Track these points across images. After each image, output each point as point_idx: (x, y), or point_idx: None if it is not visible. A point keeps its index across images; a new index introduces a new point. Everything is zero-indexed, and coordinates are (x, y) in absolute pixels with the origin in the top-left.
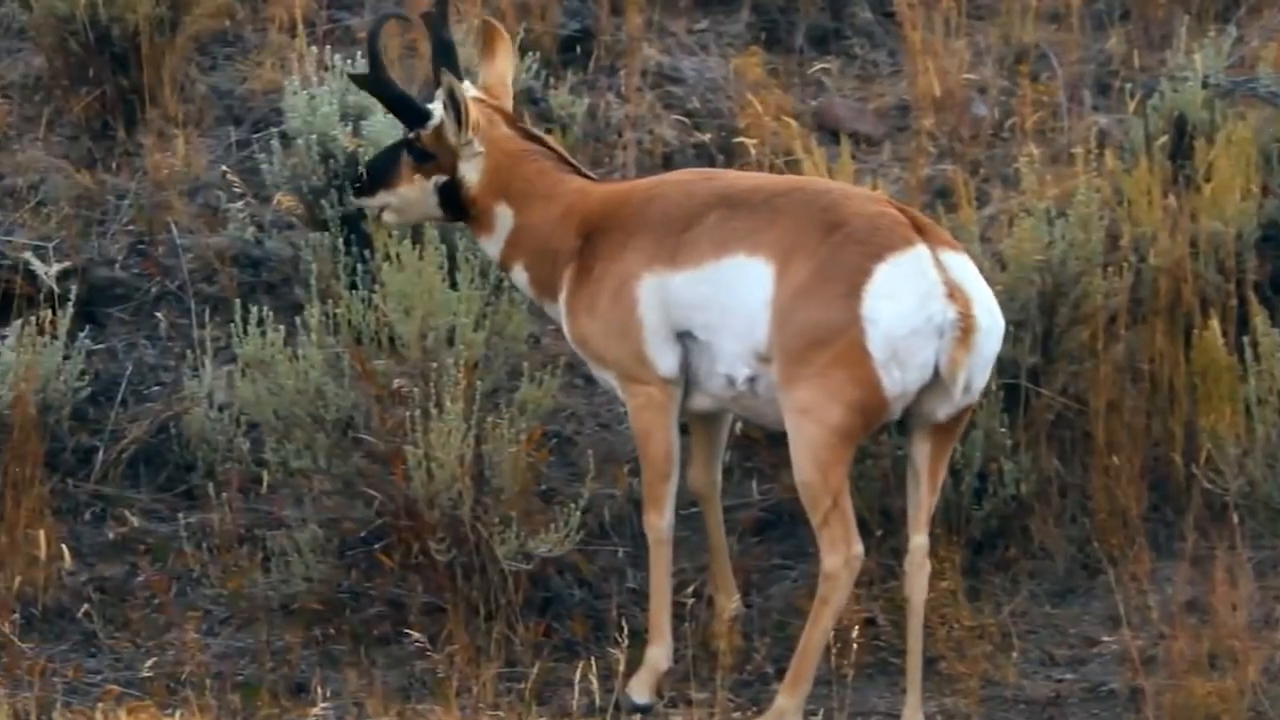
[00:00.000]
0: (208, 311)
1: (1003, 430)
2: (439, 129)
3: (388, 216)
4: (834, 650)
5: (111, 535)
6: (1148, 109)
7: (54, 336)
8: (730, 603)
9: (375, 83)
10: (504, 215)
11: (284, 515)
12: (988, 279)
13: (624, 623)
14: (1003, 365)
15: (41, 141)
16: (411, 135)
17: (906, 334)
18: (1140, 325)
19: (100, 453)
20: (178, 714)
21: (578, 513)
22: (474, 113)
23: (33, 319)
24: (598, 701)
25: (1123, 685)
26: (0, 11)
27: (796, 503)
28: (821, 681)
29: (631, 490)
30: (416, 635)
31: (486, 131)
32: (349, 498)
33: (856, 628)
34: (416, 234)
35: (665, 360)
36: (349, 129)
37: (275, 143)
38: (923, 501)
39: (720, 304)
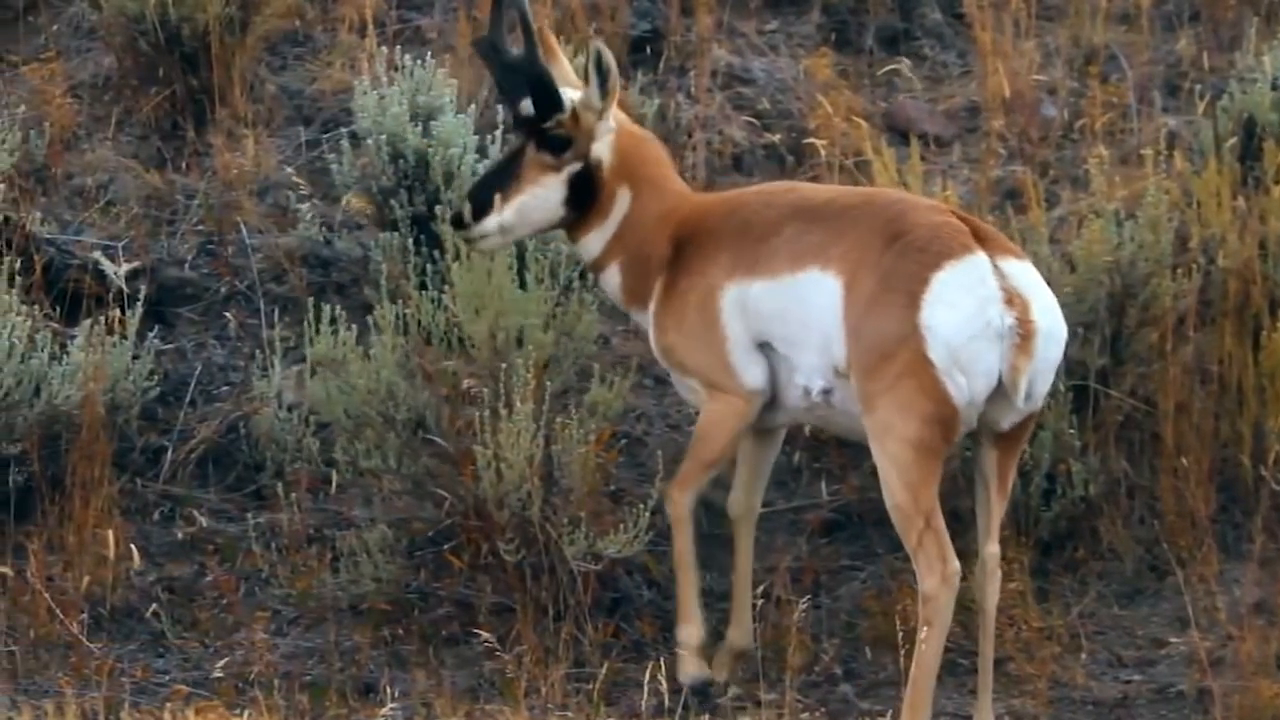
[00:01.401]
0: (277, 311)
1: (1071, 431)
2: (575, 111)
3: (494, 239)
4: (902, 651)
5: (180, 535)
6: (1217, 110)
7: (123, 336)
8: (740, 640)
9: (531, 64)
10: (623, 198)
11: (353, 515)
12: (1056, 281)
13: None
14: (1071, 367)
15: (111, 141)
16: (547, 124)
17: (965, 340)
18: (1209, 327)
19: (169, 453)
20: (246, 714)
21: (646, 513)
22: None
23: (102, 319)
24: (666, 702)
25: (1190, 687)
26: (70, 11)
27: (864, 504)
28: (888, 683)
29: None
30: (485, 636)
31: (617, 111)
32: (418, 498)
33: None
34: None
35: (751, 371)
36: (419, 129)
37: (345, 143)
38: (993, 510)
39: (797, 317)
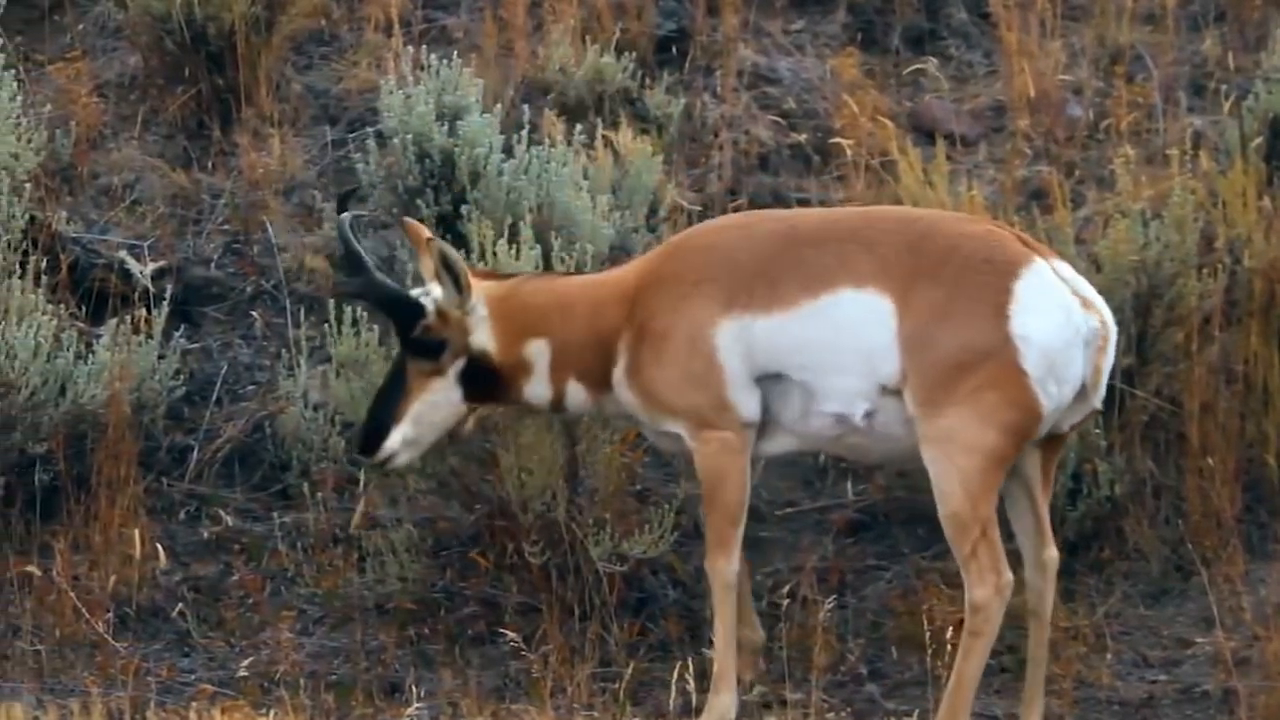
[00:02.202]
0: (302, 311)
1: (1097, 431)
2: (441, 311)
3: (403, 457)
4: (928, 651)
5: (206, 535)
6: (1243, 110)
7: (149, 336)
8: (753, 636)
9: (367, 286)
10: (538, 348)
11: (379, 515)
12: None
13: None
14: None
15: (137, 141)
16: (415, 335)
17: (1061, 347)
18: (1235, 327)
19: (195, 452)
20: (272, 714)
21: (672, 513)
22: (467, 268)
23: (128, 318)
24: (693, 702)
25: (1216, 687)
26: (96, 11)
27: (890, 504)
28: (913, 683)
29: None
30: (511, 635)
31: (477, 291)
32: (444, 498)
33: (950, 629)
34: (513, 232)
35: (748, 405)
36: (445, 129)
37: (370, 142)
38: (1041, 512)
39: (826, 342)
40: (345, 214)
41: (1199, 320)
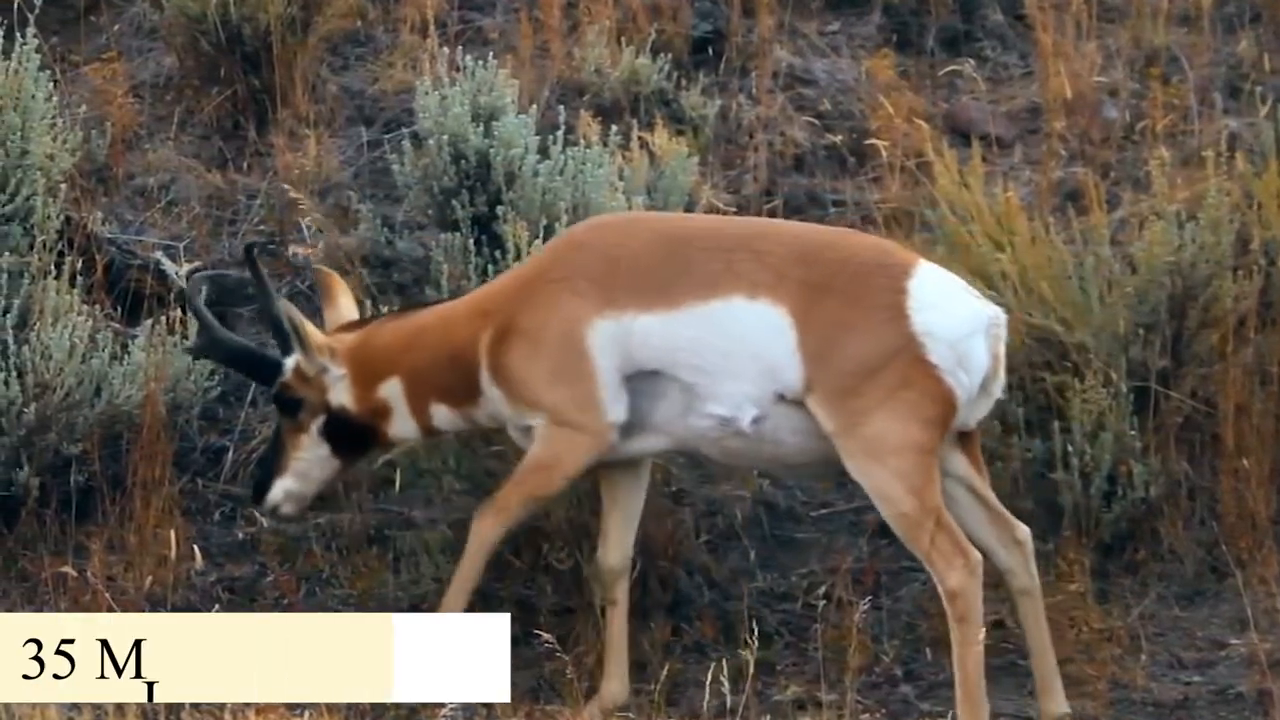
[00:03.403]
0: None
1: (1132, 433)
2: (299, 370)
3: (289, 506)
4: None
5: (241, 535)
6: (1278, 112)
7: (184, 336)
8: (618, 694)
9: (213, 346)
10: (391, 389)
11: (413, 516)
12: (1118, 282)
13: (754, 624)
14: (1133, 368)
15: (173, 141)
16: (276, 394)
17: (963, 337)
18: (1270, 328)
19: (230, 453)
20: (306, 714)
21: (707, 515)
22: (313, 331)
23: (163, 319)
24: (728, 703)
25: (1250, 688)
26: (132, 11)
27: None
28: (948, 684)
29: (760, 491)
30: (545, 636)
31: (336, 349)
32: (478, 498)
33: (985, 630)
34: (549, 233)
35: (617, 405)
36: (480, 130)
37: (406, 143)
38: (992, 501)
39: (716, 346)
40: (196, 275)
41: (1234, 322)
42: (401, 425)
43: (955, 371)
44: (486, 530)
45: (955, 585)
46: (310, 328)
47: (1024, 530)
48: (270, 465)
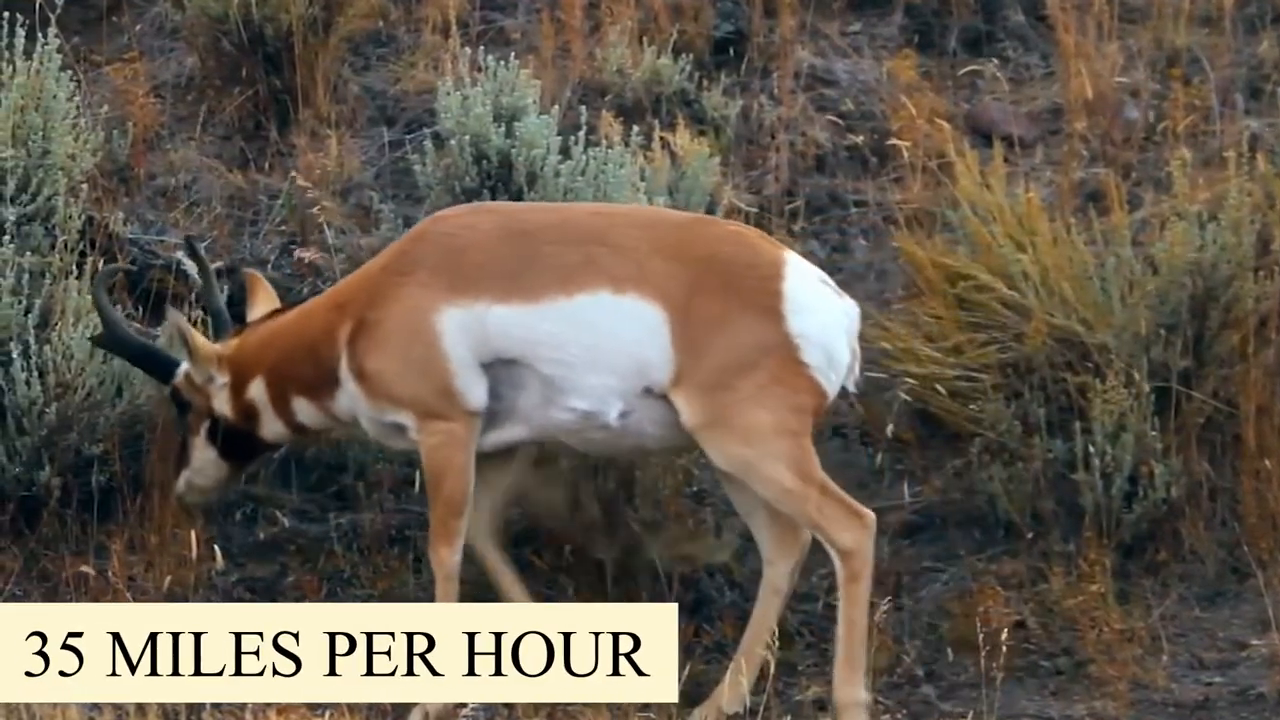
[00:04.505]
0: None
1: (1154, 434)
2: (188, 374)
3: (195, 496)
4: (983, 652)
5: (262, 536)
6: None
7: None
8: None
9: (113, 341)
10: (256, 388)
11: None
12: (1139, 282)
13: (775, 624)
14: (1154, 369)
15: (194, 141)
16: (170, 393)
17: (834, 337)
18: None
19: None
20: (328, 714)
21: (729, 515)
22: (202, 343)
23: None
24: (748, 703)
25: (1271, 689)
26: (153, 11)
27: (947, 505)
28: (969, 684)
29: None
30: None
31: (223, 356)
32: None
33: (1006, 630)
34: None
35: (475, 392)
36: (502, 130)
37: (428, 144)
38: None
39: (580, 341)
40: (106, 268)
41: (1255, 322)
42: (270, 425)
43: (825, 371)
44: (443, 558)
45: (849, 544)
46: (199, 339)
47: (806, 535)
48: (179, 456)
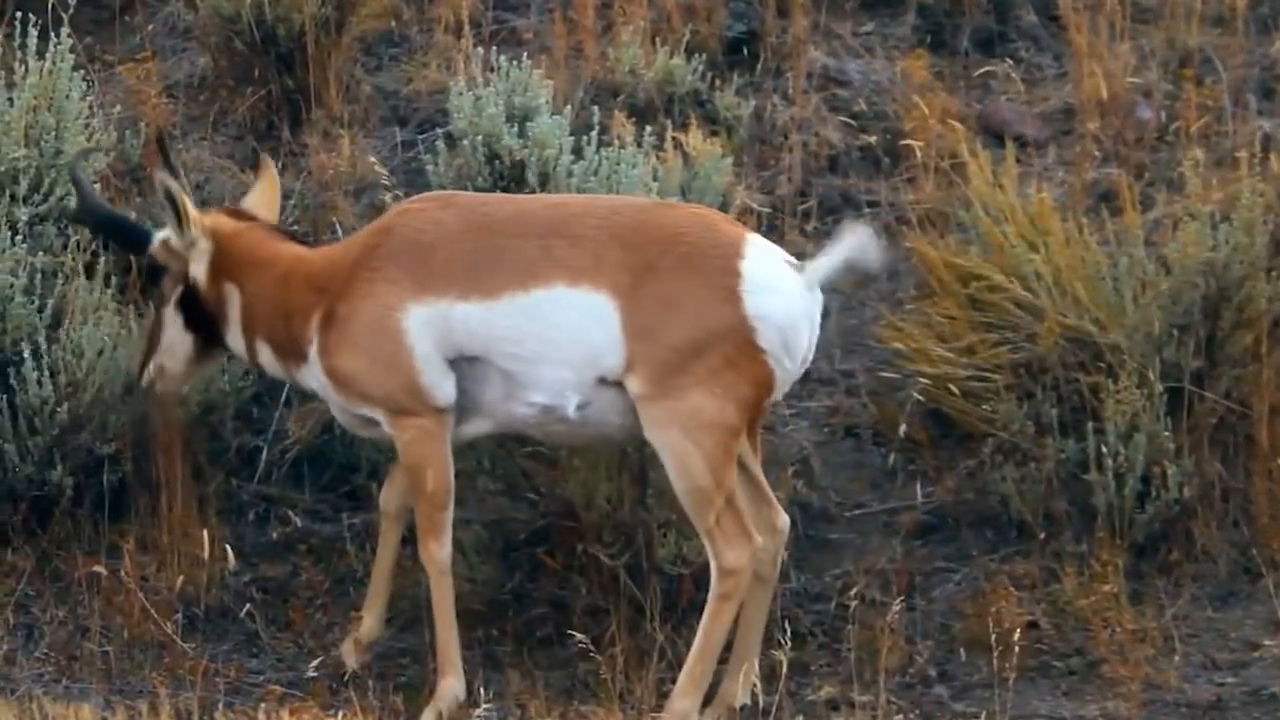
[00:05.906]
0: None
1: (1166, 434)
2: (166, 241)
3: (161, 384)
4: (996, 653)
5: (275, 535)
6: None
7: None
8: (373, 631)
9: (87, 213)
10: (231, 294)
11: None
12: (1152, 282)
13: (786, 624)
14: (1166, 369)
15: (206, 141)
16: (145, 261)
17: (793, 323)
18: None
19: (264, 453)
20: (340, 714)
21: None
22: (191, 208)
23: None
24: (760, 703)
25: None
26: (166, 11)
27: (959, 506)
28: (981, 685)
29: (795, 492)
30: (579, 637)
31: (207, 226)
32: (512, 499)
33: (1018, 631)
34: None
35: (442, 389)
36: (515, 130)
37: (440, 144)
38: (761, 480)
39: (537, 336)
40: (81, 149)
41: (1268, 323)
42: (233, 337)
43: (781, 357)
44: (432, 553)
45: (733, 563)
46: (190, 205)
47: (784, 519)
48: (147, 344)
